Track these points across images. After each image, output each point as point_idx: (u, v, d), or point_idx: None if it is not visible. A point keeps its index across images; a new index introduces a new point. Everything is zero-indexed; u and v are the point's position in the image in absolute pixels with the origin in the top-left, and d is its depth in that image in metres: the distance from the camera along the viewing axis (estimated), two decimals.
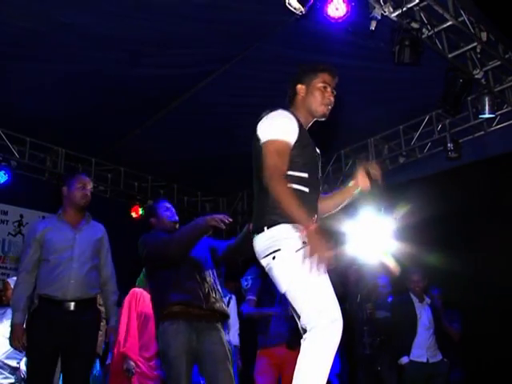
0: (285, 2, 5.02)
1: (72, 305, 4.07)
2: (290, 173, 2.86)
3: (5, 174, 7.86)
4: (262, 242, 2.80)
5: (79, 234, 4.26)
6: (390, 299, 6.98)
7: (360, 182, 3.12)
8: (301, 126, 2.98)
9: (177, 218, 4.39)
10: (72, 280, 4.09)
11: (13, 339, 4.02)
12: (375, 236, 7.24)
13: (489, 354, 7.12)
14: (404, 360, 6.16)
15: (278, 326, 5.41)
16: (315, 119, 3.17)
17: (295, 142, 2.90)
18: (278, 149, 2.84)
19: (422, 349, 6.17)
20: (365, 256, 7.21)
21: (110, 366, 5.17)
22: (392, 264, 6.74)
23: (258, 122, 3.02)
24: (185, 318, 3.79)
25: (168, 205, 4.48)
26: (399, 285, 6.89)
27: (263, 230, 2.80)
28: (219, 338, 3.90)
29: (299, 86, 3.13)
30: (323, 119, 3.14)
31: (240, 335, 6.50)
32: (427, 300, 6.40)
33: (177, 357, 3.69)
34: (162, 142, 8.12)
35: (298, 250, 2.67)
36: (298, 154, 2.90)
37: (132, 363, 4.84)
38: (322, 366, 2.55)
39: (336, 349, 2.55)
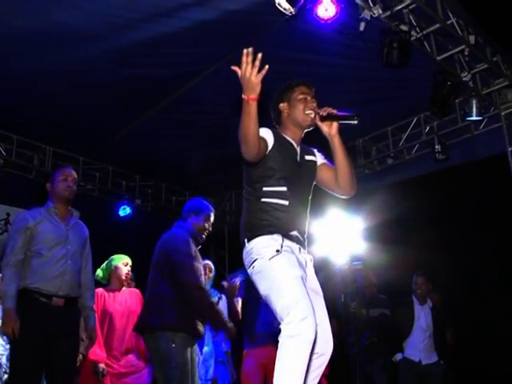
0: (274, 3, 5.04)
1: (62, 301, 4.04)
2: (266, 189, 3.05)
3: None
4: (245, 254, 3.03)
5: (71, 230, 4.24)
6: (383, 296, 7.03)
7: (329, 132, 3.15)
8: (281, 139, 3.12)
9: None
10: (67, 276, 4.08)
11: (5, 324, 3.90)
12: (344, 236, 7.28)
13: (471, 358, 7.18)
14: (398, 357, 6.30)
15: (264, 325, 5.43)
16: (304, 131, 3.26)
17: (270, 152, 3.04)
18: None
19: (416, 349, 6.26)
20: (334, 256, 7.26)
21: (81, 368, 5.08)
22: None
23: None
24: None
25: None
26: (401, 286, 6.95)
27: (245, 244, 3.03)
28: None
29: (281, 105, 3.27)
30: (312, 128, 3.22)
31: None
32: (429, 303, 6.47)
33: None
34: (151, 141, 8.10)
35: (272, 257, 2.87)
36: (275, 167, 3.05)
37: (101, 365, 4.82)
38: (296, 362, 2.63)
39: (311, 345, 2.63)
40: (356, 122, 3.08)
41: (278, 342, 5.15)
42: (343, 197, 3.33)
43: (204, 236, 4.49)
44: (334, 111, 3.11)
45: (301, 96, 3.21)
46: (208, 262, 6.29)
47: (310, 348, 2.64)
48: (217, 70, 6.59)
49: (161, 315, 4.06)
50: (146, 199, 9.81)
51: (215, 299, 6.20)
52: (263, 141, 3.01)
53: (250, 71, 2.87)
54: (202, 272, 4.28)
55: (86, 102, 6.99)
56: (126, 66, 6.36)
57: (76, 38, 5.80)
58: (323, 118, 3.11)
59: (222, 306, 6.39)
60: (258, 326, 5.45)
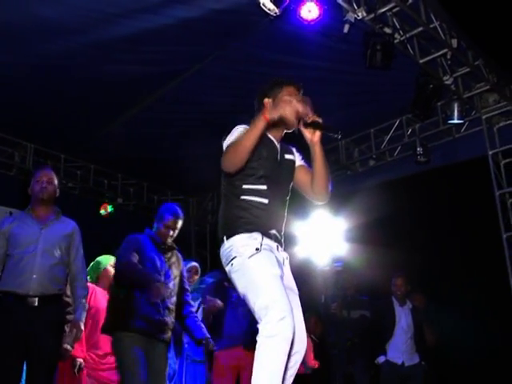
0: (259, 3, 5.04)
1: (35, 300, 4.01)
2: (246, 187, 3.02)
3: None
4: (223, 251, 2.99)
5: (46, 229, 4.21)
6: (364, 298, 7.06)
7: (311, 139, 3.09)
8: (263, 137, 3.02)
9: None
10: (34, 275, 4.04)
11: None
12: (326, 237, 7.30)
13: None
14: (380, 359, 6.30)
15: (232, 327, 5.44)
16: (285, 131, 3.24)
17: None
18: (229, 145, 2.97)
19: (398, 351, 6.28)
20: (316, 257, 7.28)
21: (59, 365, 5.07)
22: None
23: (222, 139, 3.12)
24: None
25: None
26: (381, 287, 6.97)
27: (223, 241, 2.99)
28: None
29: (266, 100, 3.17)
30: (292, 130, 3.18)
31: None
32: (409, 304, 6.49)
33: None
34: (133, 139, 8.07)
35: (251, 256, 2.85)
36: (256, 166, 3.02)
37: (79, 360, 4.79)
38: (275, 361, 2.62)
39: (289, 344, 2.63)
40: (339, 136, 3.06)
41: (246, 342, 5.23)
42: (315, 202, 3.30)
43: (167, 240, 4.46)
44: (319, 120, 3.02)
45: (287, 97, 3.09)
46: (194, 264, 6.27)
47: (288, 347, 2.64)
48: (200, 70, 6.58)
49: (114, 316, 4.13)
50: (128, 198, 9.77)
51: (196, 304, 6.20)
52: None
53: (302, 108, 2.88)
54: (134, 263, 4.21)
55: (67, 98, 6.94)
56: (109, 62, 6.32)
57: (57, 33, 5.75)
58: (307, 125, 3.04)
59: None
60: (226, 327, 5.46)
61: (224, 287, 5.56)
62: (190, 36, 5.98)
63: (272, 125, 3.08)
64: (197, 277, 6.05)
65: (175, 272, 4.43)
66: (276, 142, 3.18)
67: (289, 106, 2.85)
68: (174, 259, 4.49)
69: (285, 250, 3.13)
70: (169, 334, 4.27)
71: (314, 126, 3.03)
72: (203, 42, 6.12)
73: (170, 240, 4.47)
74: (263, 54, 6.25)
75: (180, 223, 4.55)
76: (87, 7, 5.43)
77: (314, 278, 7.16)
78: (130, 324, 4.05)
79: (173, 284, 4.36)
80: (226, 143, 3.03)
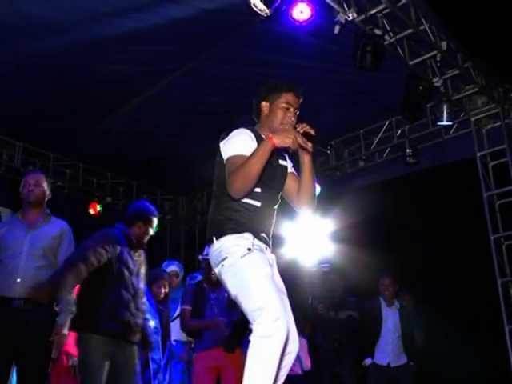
0: (250, 3, 5.04)
1: (22, 303, 4.00)
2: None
3: None
4: (213, 251, 2.97)
5: (32, 232, 4.19)
6: (351, 298, 7.07)
7: (303, 152, 3.09)
8: (260, 141, 3.04)
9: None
10: (19, 278, 4.03)
11: None
12: (314, 238, 7.31)
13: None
14: (367, 362, 6.32)
15: (213, 330, 5.43)
16: None
17: None
18: (234, 162, 2.94)
19: (384, 353, 6.29)
20: (303, 258, 7.29)
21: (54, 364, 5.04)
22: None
23: (220, 139, 3.11)
24: None
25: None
26: (369, 288, 6.99)
27: (213, 241, 2.97)
28: None
29: (263, 104, 3.19)
30: None
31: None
32: (396, 304, 6.51)
33: None
34: (123, 138, 8.05)
35: (243, 256, 2.84)
36: None
37: (75, 359, 4.77)
38: (268, 362, 2.61)
39: (282, 345, 2.62)
40: (328, 151, 3.07)
41: (227, 344, 5.23)
42: (299, 211, 3.29)
43: (144, 240, 4.38)
44: (312, 131, 3.02)
45: (283, 105, 3.13)
46: (174, 268, 6.24)
47: (282, 348, 2.64)
48: (191, 69, 6.58)
49: (85, 314, 4.01)
50: (117, 197, 9.74)
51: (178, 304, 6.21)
52: (250, 146, 2.98)
53: (302, 141, 2.92)
54: (99, 257, 4.04)
55: (58, 97, 6.92)
56: (100, 61, 6.31)
57: (46, 31, 5.73)
58: (301, 134, 3.00)
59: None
60: (204, 330, 5.46)
61: (203, 288, 5.55)
62: (181, 35, 5.98)
63: (267, 129, 3.13)
64: (178, 280, 5.99)
65: (143, 271, 4.36)
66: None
67: (295, 140, 2.88)
68: (142, 258, 4.40)
69: (272, 251, 3.13)
70: (139, 336, 4.19)
71: (305, 136, 3.01)
72: (194, 42, 6.12)
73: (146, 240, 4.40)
74: (254, 53, 6.25)
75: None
76: (79, 6, 5.42)
77: (300, 279, 7.16)
78: (101, 326, 3.94)
79: (142, 284, 4.31)
80: (226, 151, 3.01)
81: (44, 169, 8.58)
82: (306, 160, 3.10)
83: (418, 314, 6.88)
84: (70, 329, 4.18)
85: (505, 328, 6.62)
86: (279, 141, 2.86)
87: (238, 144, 3.00)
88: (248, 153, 2.93)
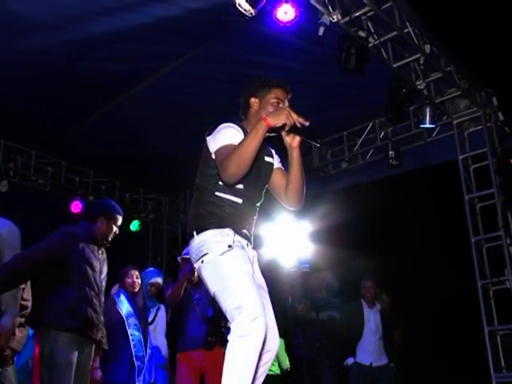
0: (235, 3, 5.04)
1: None
2: (222, 183, 2.96)
3: None
4: (193, 247, 2.94)
5: None
6: (333, 299, 7.09)
7: (291, 143, 3.08)
8: None
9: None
10: None
11: None
12: (292, 239, 7.33)
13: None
14: (349, 361, 6.34)
15: (194, 329, 5.43)
16: (267, 134, 3.14)
17: None
18: (224, 150, 2.91)
19: (366, 352, 6.32)
20: (283, 259, 7.30)
21: (33, 361, 4.94)
22: None
23: (206, 134, 3.08)
24: None
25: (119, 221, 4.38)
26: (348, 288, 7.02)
27: (193, 236, 2.94)
28: None
29: (253, 100, 3.18)
30: (274, 134, 3.11)
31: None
32: (377, 306, 6.55)
33: None
34: (106, 137, 8.00)
35: (223, 252, 2.82)
36: None
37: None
38: (246, 361, 2.62)
39: (261, 344, 2.62)
40: (318, 145, 3.06)
41: (207, 342, 5.23)
42: (288, 207, 3.25)
43: (109, 238, 4.33)
44: (306, 123, 3.00)
45: (274, 100, 3.13)
46: (158, 280, 6.22)
47: (260, 347, 2.63)
48: (175, 68, 6.56)
49: (47, 311, 3.95)
50: (99, 196, 9.67)
51: (153, 310, 6.20)
52: (238, 139, 2.96)
53: (296, 116, 2.89)
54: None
55: (40, 94, 6.86)
56: (83, 59, 6.27)
57: (31, 28, 5.68)
58: (289, 130, 3.01)
59: (160, 316, 6.34)
60: (189, 329, 5.45)
61: (185, 289, 5.55)
62: (166, 34, 5.96)
63: (254, 123, 3.07)
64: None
65: (105, 269, 4.33)
66: None
67: (289, 116, 2.86)
68: (104, 255, 4.36)
69: (253, 248, 3.12)
70: (100, 333, 4.15)
71: (295, 131, 3.01)
72: (179, 41, 6.10)
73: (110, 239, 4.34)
74: (239, 54, 6.25)
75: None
76: (65, 4, 5.38)
77: (280, 280, 7.18)
78: (66, 323, 3.90)
79: (104, 281, 4.29)
80: (215, 143, 2.98)
81: (26, 166, 8.52)
82: (294, 155, 3.09)
83: (397, 315, 6.93)
84: (30, 325, 4.14)
85: (484, 329, 6.68)
86: (273, 119, 2.83)
87: (227, 135, 2.98)
88: (235, 141, 2.91)
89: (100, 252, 4.30)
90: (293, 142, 3.07)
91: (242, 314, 2.62)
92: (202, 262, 2.86)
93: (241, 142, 2.85)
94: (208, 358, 5.24)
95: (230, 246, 2.83)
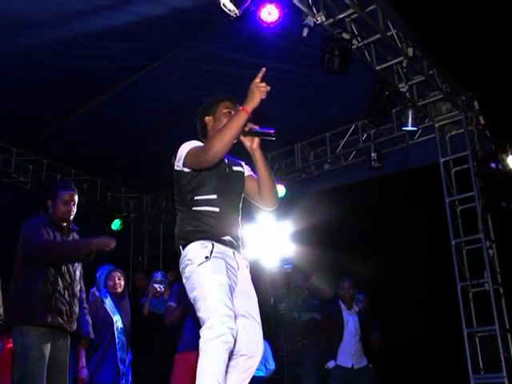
0: (219, 3, 5.04)
1: None
2: (197, 198, 3.15)
3: None
4: (180, 260, 3.11)
5: None
6: (314, 301, 7.10)
7: (251, 146, 3.28)
8: None
9: (71, 218, 4.26)
10: None
11: None
12: (274, 239, 7.33)
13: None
14: (331, 364, 6.34)
15: (191, 329, 5.41)
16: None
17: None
18: (195, 149, 3.14)
19: (348, 354, 6.34)
20: (265, 259, 7.30)
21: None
22: None
23: (172, 159, 3.25)
24: None
25: (72, 196, 4.28)
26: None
27: (180, 251, 3.11)
28: None
29: (207, 118, 3.38)
30: (235, 141, 3.20)
31: None
32: (355, 308, 6.57)
33: None
34: (88, 135, 7.95)
35: (200, 264, 2.97)
36: (206, 178, 3.16)
37: None
38: (215, 364, 2.71)
39: (229, 348, 2.74)
40: (274, 138, 3.19)
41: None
42: (266, 209, 3.46)
43: (69, 218, 4.26)
44: (256, 127, 3.21)
45: (225, 110, 3.32)
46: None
47: (229, 350, 2.74)
48: (159, 67, 6.54)
49: (16, 309, 3.94)
50: (81, 194, 9.55)
51: None
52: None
53: (264, 86, 3.08)
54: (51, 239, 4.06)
55: (22, 91, 6.79)
56: (66, 56, 6.22)
57: (14, 25, 5.62)
58: (245, 133, 3.20)
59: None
60: (186, 330, 5.44)
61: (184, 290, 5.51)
62: (149, 33, 5.94)
63: None
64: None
65: None
66: (225, 158, 3.28)
67: (259, 91, 3.05)
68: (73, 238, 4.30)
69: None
70: (75, 325, 4.12)
71: (250, 133, 3.21)
72: (163, 40, 6.09)
73: (71, 217, 4.25)
74: (222, 53, 6.25)
75: (77, 197, 4.34)
76: (49, 2, 5.34)
77: (262, 281, 7.17)
78: (37, 317, 3.87)
79: (79, 269, 4.23)
80: (184, 152, 3.14)
81: (6, 163, 8.44)
82: (257, 156, 3.27)
83: (376, 317, 6.96)
84: (3, 325, 4.13)
85: (463, 331, 6.73)
86: (250, 102, 3.01)
87: (189, 145, 3.18)
88: (200, 144, 3.17)
89: (70, 238, 4.24)
90: (252, 144, 3.27)
91: (210, 320, 2.76)
92: (184, 273, 3.04)
93: (224, 125, 3.06)
94: None
95: (206, 258, 2.97)
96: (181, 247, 3.10)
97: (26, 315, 3.88)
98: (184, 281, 3.05)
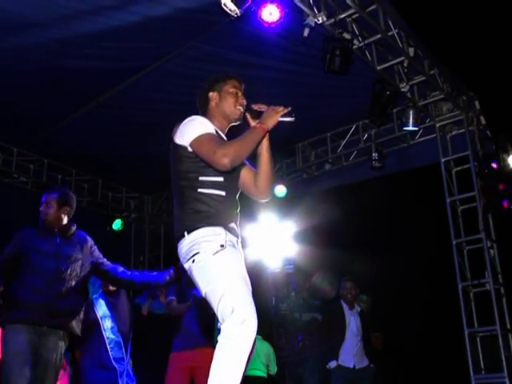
0: (220, 3, 5.04)
1: None
2: (203, 179, 2.96)
3: None
4: (184, 247, 2.88)
5: None
6: (316, 301, 7.09)
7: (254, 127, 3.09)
8: (216, 131, 3.07)
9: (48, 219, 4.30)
10: None
11: None
12: (276, 239, 7.33)
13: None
14: (332, 364, 6.32)
15: (188, 328, 5.42)
16: (231, 124, 3.25)
17: None
18: (207, 138, 2.95)
19: (350, 354, 6.32)
20: (267, 259, 7.30)
21: None
22: None
23: (173, 132, 3.12)
24: None
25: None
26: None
27: (184, 236, 2.88)
28: None
29: (211, 94, 3.24)
30: (238, 122, 3.21)
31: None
32: (357, 308, 6.56)
33: None
34: (89, 135, 7.95)
35: (216, 252, 2.78)
36: None
37: None
38: (234, 364, 2.59)
39: (250, 346, 2.61)
40: (293, 119, 3.09)
41: (202, 343, 5.22)
42: (258, 200, 3.27)
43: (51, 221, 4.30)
44: (269, 108, 3.07)
45: (232, 89, 3.20)
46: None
47: (249, 349, 2.62)
48: (160, 67, 6.54)
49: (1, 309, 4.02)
50: (82, 194, 9.60)
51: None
52: (212, 129, 3.03)
53: (281, 108, 3.05)
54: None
55: (23, 90, 6.79)
56: (67, 56, 6.22)
57: (14, 25, 5.63)
58: (256, 115, 3.08)
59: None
60: (183, 328, 5.45)
61: (182, 287, 5.52)
62: (150, 33, 5.93)
63: (219, 118, 3.18)
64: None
65: (76, 255, 4.24)
66: (223, 135, 3.17)
67: (277, 112, 3.03)
68: (74, 240, 4.31)
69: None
70: (61, 320, 4.05)
71: (258, 115, 3.07)
72: (163, 40, 6.08)
73: (47, 218, 4.28)
74: (223, 53, 6.25)
75: (48, 196, 4.38)
76: (50, 2, 5.34)
77: (264, 281, 7.17)
78: (14, 315, 3.91)
79: (78, 266, 4.20)
80: (190, 135, 2.98)
81: (7, 163, 8.43)
82: (263, 144, 3.12)
83: (378, 317, 6.95)
84: None
85: (464, 331, 6.73)
86: (270, 120, 3.01)
87: (200, 125, 3.03)
88: (212, 131, 3.00)
89: (65, 238, 4.26)
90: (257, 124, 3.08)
91: (233, 316, 2.61)
92: (193, 261, 2.81)
93: (240, 138, 2.94)
94: (199, 358, 5.21)
95: (222, 246, 2.80)
96: (185, 232, 2.86)
97: (6, 315, 3.96)
98: (191, 271, 2.84)
